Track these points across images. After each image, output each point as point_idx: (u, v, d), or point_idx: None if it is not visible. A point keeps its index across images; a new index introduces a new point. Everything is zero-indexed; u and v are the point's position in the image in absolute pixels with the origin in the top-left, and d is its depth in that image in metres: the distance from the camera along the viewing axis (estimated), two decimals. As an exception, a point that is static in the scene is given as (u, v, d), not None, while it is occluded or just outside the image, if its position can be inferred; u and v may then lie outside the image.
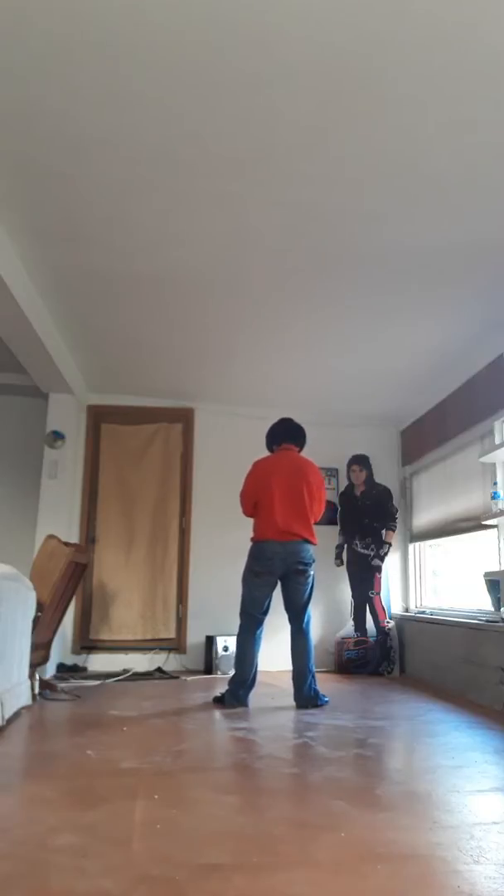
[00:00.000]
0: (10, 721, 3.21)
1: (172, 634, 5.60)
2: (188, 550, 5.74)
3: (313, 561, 4.00)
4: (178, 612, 5.64)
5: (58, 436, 5.44)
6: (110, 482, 5.78)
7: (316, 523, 4.10)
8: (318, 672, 4.15)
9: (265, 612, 3.99)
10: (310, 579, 3.98)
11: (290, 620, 4.01)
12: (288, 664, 3.99)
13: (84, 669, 5.27)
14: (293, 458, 4.16)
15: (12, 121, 2.50)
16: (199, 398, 5.89)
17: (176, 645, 5.58)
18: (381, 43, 2.10)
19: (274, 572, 3.94)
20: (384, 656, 5.37)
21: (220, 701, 3.89)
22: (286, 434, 4.23)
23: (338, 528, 5.76)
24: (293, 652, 3.97)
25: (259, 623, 3.99)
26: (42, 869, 1.56)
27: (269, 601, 3.99)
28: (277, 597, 4.01)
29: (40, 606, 3.91)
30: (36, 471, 5.51)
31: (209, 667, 5.32)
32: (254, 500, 4.07)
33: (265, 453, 4.30)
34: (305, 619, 3.98)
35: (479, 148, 2.57)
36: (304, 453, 4.30)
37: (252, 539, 4.04)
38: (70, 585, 4.47)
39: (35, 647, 3.88)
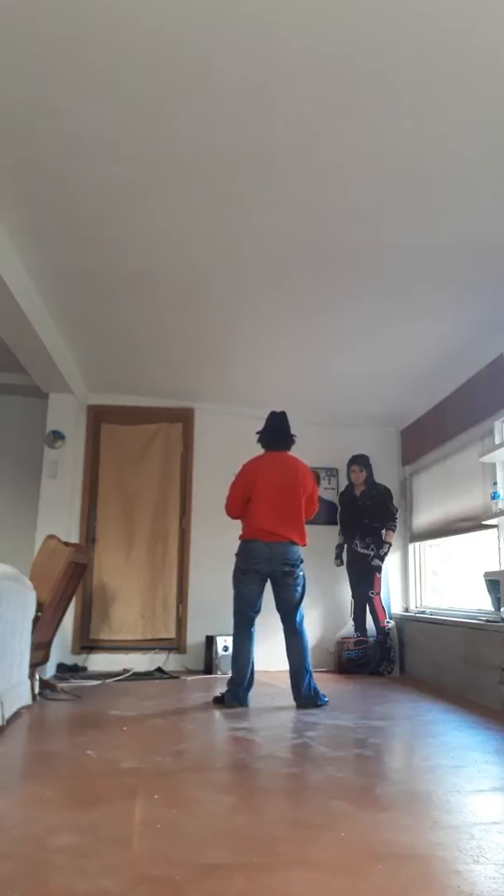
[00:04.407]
0: (10, 721, 3.21)
1: (172, 634, 5.60)
2: (188, 550, 5.74)
3: (301, 561, 3.99)
4: (178, 612, 5.64)
5: (58, 436, 5.44)
6: (110, 482, 5.78)
7: (311, 522, 4.12)
8: (318, 672, 4.16)
9: (257, 611, 4.00)
10: (300, 580, 3.97)
11: (283, 621, 3.99)
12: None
13: (84, 669, 5.27)
14: (283, 458, 4.16)
15: (13, 121, 2.50)
16: (199, 398, 5.89)
17: (176, 645, 5.58)
18: (380, 44, 2.10)
19: (260, 571, 3.94)
20: (384, 656, 5.37)
21: (219, 701, 3.89)
22: (276, 437, 4.21)
23: (338, 528, 5.76)
24: (288, 652, 3.96)
25: (251, 621, 3.99)
26: (42, 869, 1.56)
27: (261, 600, 4.00)
28: (269, 597, 4.01)
29: (40, 606, 3.91)
30: (36, 471, 5.51)
31: (209, 667, 5.32)
32: (241, 502, 4.07)
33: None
34: (298, 619, 3.97)
35: (478, 148, 2.56)
36: (306, 454, 4.30)
37: (240, 537, 4.05)
38: (70, 585, 4.47)
39: (35, 647, 3.88)
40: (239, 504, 4.09)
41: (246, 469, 4.15)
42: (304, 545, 4.03)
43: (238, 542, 4.05)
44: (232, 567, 4.05)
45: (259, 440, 4.25)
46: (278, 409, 4.31)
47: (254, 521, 3.98)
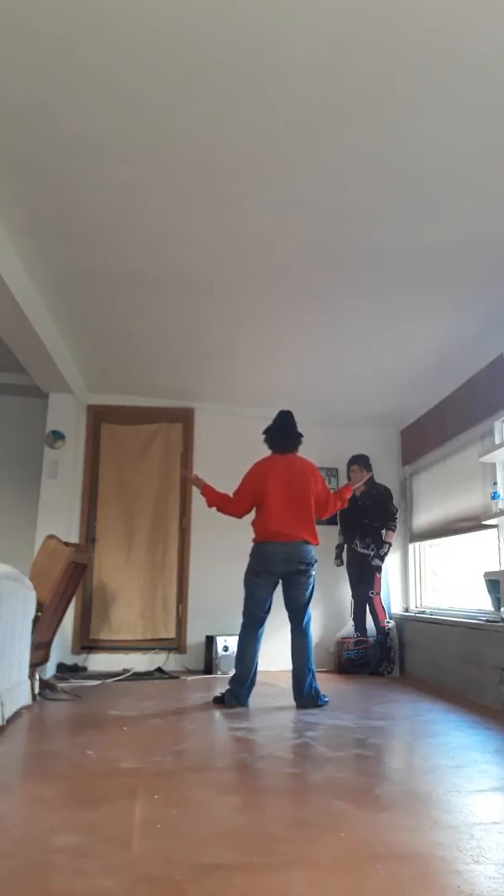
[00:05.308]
0: (10, 721, 3.21)
1: (172, 634, 5.60)
2: (188, 550, 5.74)
3: (315, 561, 4.01)
4: (178, 612, 5.64)
5: (58, 436, 5.44)
6: (110, 482, 5.78)
7: (319, 522, 4.12)
8: (318, 672, 4.15)
9: (267, 612, 4.01)
10: (311, 579, 3.99)
11: (290, 619, 4.02)
12: (288, 664, 3.99)
13: (84, 669, 5.27)
14: (292, 460, 4.16)
15: (13, 121, 2.50)
16: (199, 398, 5.90)
17: (176, 645, 5.58)
18: (380, 44, 2.10)
19: (274, 572, 3.95)
20: (384, 656, 5.37)
21: (220, 701, 3.89)
22: (282, 436, 4.21)
23: (338, 528, 5.76)
24: (293, 651, 3.98)
25: (261, 622, 4.00)
26: (42, 869, 1.56)
27: (271, 600, 4.01)
28: (278, 597, 4.02)
29: (40, 606, 3.91)
30: (36, 471, 5.51)
31: (209, 667, 5.32)
32: (249, 501, 4.07)
33: (265, 452, 4.30)
34: (305, 619, 3.99)
35: (478, 148, 2.56)
36: (307, 454, 4.30)
37: (253, 540, 4.05)
38: (70, 585, 4.47)
39: (35, 647, 3.88)
40: (244, 504, 4.09)
41: (255, 469, 4.15)
42: (317, 544, 4.04)
43: (244, 543, 4.05)
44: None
45: (265, 440, 4.25)
46: (279, 409, 4.31)
47: (266, 523, 3.99)
